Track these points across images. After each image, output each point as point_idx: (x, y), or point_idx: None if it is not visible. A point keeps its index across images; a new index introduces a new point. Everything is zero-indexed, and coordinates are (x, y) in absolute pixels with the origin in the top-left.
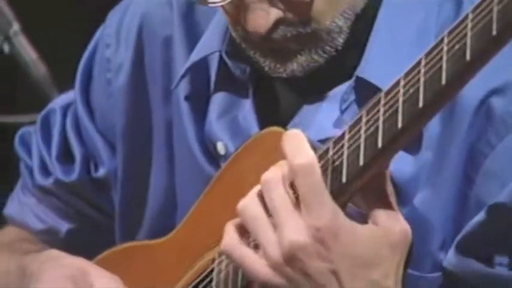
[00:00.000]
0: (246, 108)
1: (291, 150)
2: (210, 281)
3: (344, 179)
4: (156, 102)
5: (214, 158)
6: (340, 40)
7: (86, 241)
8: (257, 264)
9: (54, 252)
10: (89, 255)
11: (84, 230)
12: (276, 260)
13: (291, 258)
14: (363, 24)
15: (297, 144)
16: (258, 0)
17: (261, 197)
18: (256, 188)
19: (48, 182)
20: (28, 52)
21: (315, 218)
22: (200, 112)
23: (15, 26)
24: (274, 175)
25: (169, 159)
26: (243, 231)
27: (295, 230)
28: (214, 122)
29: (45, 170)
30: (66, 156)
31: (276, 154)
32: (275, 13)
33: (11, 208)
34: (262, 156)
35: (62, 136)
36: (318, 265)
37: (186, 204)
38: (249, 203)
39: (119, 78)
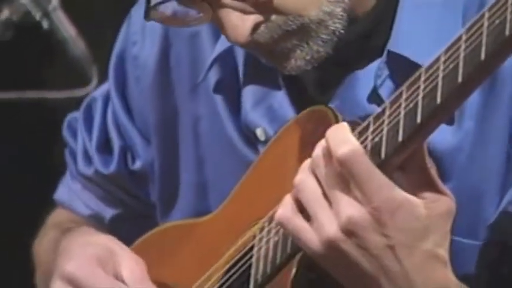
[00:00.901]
0: (280, 96)
1: (334, 142)
2: (251, 257)
3: (383, 155)
4: (183, 97)
5: (253, 145)
6: (339, 25)
7: (130, 226)
8: (313, 237)
9: (86, 230)
10: (134, 239)
11: (128, 216)
12: (332, 234)
13: (348, 233)
14: (387, 0)
15: (339, 134)
16: (227, 13)
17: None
18: (310, 162)
19: (90, 171)
20: (67, 28)
21: (371, 198)
22: (233, 103)
23: (54, 1)
24: (326, 152)
25: (197, 156)
26: (299, 205)
27: (352, 205)
28: (250, 110)
29: (88, 159)
30: (105, 147)
31: (320, 132)
32: (251, 19)
33: (61, 193)
34: (306, 134)
35: (102, 127)
36: (374, 240)
37: (224, 191)
38: (305, 178)
39: (146, 75)
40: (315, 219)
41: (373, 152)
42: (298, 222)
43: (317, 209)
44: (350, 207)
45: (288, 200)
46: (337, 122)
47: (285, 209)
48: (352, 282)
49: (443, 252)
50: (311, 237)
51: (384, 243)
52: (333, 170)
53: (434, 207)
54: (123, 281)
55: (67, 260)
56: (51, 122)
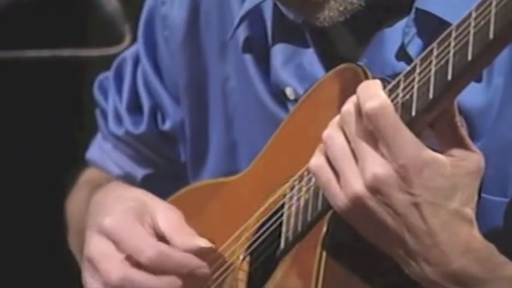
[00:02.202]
0: (309, 55)
1: (363, 96)
2: (281, 215)
3: (414, 113)
4: (212, 57)
5: (283, 103)
6: None
7: (161, 187)
8: (339, 192)
9: (118, 184)
10: (165, 200)
11: (159, 176)
12: (357, 191)
13: (373, 191)
14: None
15: (369, 90)
16: None
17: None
18: (338, 118)
19: (120, 132)
20: None
21: (398, 155)
22: (262, 62)
23: None
24: (355, 108)
25: (226, 115)
26: (327, 161)
27: (378, 163)
28: (280, 69)
29: (118, 119)
30: (135, 107)
31: (350, 90)
32: None
33: (93, 152)
34: (336, 93)
35: (132, 87)
36: (400, 198)
37: (253, 150)
38: (333, 134)
39: (176, 35)
40: (342, 175)
41: (404, 110)
42: (329, 175)
43: (344, 165)
44: (376, 165)
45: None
46: (367, 79)
47: (318, 159)
48: (377, 238)
49: (470, 211)
50: (338, 192)
51: (409, 201)
52: (361, 126)
53: (462, 166)
54: (161, 233)
55: (103, 216)
56: (83, 81)
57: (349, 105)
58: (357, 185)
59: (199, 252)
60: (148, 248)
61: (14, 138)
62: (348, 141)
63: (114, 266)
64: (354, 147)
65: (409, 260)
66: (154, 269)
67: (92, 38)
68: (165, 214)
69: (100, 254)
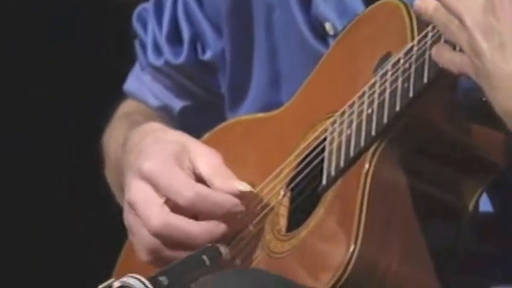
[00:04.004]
0: None
1: None
2: (323, 150)
3: None
4: None
5: (324, 38)
6: None
7: (199, 118)
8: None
9: (156, 126)
10: (203, 132)
11: (197, 108)
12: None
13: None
14: None
15: None
16: None
17: None
18: None
19: (159, 62)
20: None
21: None
22: None
23: None
24: None
25: (270, 45)
26: None
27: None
28: (321, 4)
29: (157, 50)
30: (175, 37)
31: (390, 25)
32: None
33: (131, 84)
34: (377, 28)
35: (173, 17)
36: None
37: (294, 83)
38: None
39: None
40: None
41: None
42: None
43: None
44: None
45: None
46: (408, 14)
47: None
48: None
49: None
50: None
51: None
52: None
53: None
54: (200, 176)
55: (143, 159)
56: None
57: None
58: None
59: (240, 195)
60: (187, 190)
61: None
62: None
63: (155, 211)
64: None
65: None
66: (193, 210)
67: None
68: (205, 157)
69: (141, 199)
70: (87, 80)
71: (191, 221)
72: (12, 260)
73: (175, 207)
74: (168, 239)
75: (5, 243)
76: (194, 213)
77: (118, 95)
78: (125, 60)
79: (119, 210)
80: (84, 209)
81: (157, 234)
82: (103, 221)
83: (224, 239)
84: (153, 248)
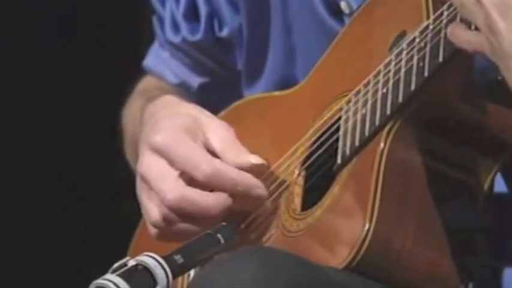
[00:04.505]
0: None
1: None
2: (338, 129)
3: None
4: None
5: (339, 16)
6: None
7: (217, 95)
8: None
9: (171, 99)
10: (221, 108)
11: (215, 85)
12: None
13: None
14: None
15: None
16: None
17: None
18: None
19: (177, 39)
20: None
21: None
22: None
23: None
24: None
25: (286, 21)
26: None
27: None
28: None
29: (175, 27)
30: (192, 14)
31: (406, 3)
32: None
33: (150, 60)
34: (392, 6)
35: None
36: None
37: (309, 60)
38: None
39: None
40: None
41: None
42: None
43: None
44: None
45: None
46: None
47: None
48: None
49: None
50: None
51: None
52: None
53: None
54: (213, 149)
55: (155, 132)
56: None
57: None
58: None
59: (252, 169)
60: (204, 164)
61: None
62: None
63: (170, 185)
64: None
65: None
66: (209, 185)
67: None
68: (218, 131)
69: (154, 173)
70: (87, 80)
71: (207, 194)
72: (12, 260)
73: (189, 181)
74: (184, 213)
75: (5, 243)
76: (208, 187)
77: (118, 95)
78: (125, 61)
79: (119, 210)
80: (84, 209)
81: (172, 208)
82: (103, 221)
83: (238, 216)
84: (167, 221)
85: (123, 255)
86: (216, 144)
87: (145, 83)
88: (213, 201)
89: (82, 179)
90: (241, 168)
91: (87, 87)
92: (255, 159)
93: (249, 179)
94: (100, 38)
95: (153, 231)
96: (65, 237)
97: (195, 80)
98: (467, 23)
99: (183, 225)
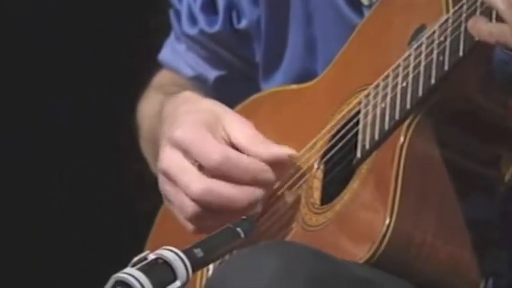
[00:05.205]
0: None
1: None
2: (357, 123)
3: None
4: None
5: (358, 8)
6: None
7: (234, 88)
8: None
9: (190, 95)
10: (237, 102)
11: (231, 78)
12: None
13: None
14: None
15: None
16: None
17: None
18: None
19: (194, 32)
20: None
21: None
22: None
23: None
24: None
25: (306, 12)
26: None
27: None
28: None
29: (192, 19)
30: (210, 6)
31: None
32: None
33: (165, 54)
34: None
35: None
36: None
37: (329, 53)
38: None
39: None
40: None
41: None
42: None
43: None
44: None
45: None
46: None
47: None
48: None
49: None
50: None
51: None
52: None
53: None
54: (232, 144)
55: (175, 128)
56: None
57: None
58: None
59: (275, 161)
60: (215, 153)
61: None
62: None
63: (193, 177)
64: None
65: None
66: (222, 174)
67: None
68: (239, 126)
69: (176, 167)
70: (87, 80)
71: (231, 185)
72: (12, 259)
73: (208, 173)
74: (209, 204)
75: (5, 243)
76: (221, 174)
77: (118, 95)
78: (125, 61)
79: (119, 211)
80: (84, 209)
81: (198, 200)
82: (103, 221)
83: (260, 208)
84: (193, 214)
85: (141, 251)
86: (239, 139)
87: (161, 78)
88: (237, 191)
89: (82, 179)
90: (266, 161)
91: (87, 87)
92: (277, 150)
93: (259, 165)
94: (100, 37)
95: (186, 224)
96: (64, 237)
97: (212, 73)
98: (488, 16)
99: (209, 217)
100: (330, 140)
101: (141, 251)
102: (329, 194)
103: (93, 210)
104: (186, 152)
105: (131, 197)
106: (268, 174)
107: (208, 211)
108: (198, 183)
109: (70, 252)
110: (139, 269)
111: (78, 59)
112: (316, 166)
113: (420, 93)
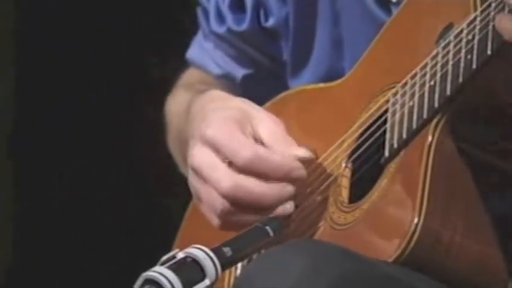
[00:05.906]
0: None
1: None
2: (385, 122)
3: None
4: None
5: (386, 6)
6: None
7: (261, 87)
8: None
9: (219, 93)
10: (264, 100)
11: (259, 76)
12: None
13: None
14: None
15: None
16: None
17: None
18: None
19: (222, 30)
20: None
21: None
22: None
23: None
24: None
25: (333, 11)
26: None
27: None
28: None
29: (220, 18)
30: (238, 5)
31: None
32: None
33: (193, 52)
34: None
35: None
36: None
37: (356, 51)
38: None
39: None
40: None
41: None
42: None
43: None
44: None
45: None
46: None
47: None
48: None
49: None
50: None
51: None
52: None
53: None
54: (262, 142)
55: (205, 125)
56: None
57: None
58: None
59: (300, 160)
60: (245, 150)
61: None
62: None
63: (223, 174)
64: None
65: None
66: (251, 172)
67: None
68: (267, 124)
69: (206, 164)
70: (87, 80)
71: (262, 182)
72: (12, 259)
73: (238, 170)
74: (239, 201)
75: (5, 243)
76: (250, 170)
77: (118, 95)
78: (125, 61)
79: (119, 211)
80: (84, 209)
81: (228, 196)
82: (103, 221)
83: (292, 207)
84: (223, 210)
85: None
86: (265, 136)
87: (189, 76)
88: (266, 188)
89: (82, 179)
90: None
91: (87, 87)
92: (303, 153)
93: (291, 163)
94: (100, 37)
95: (215, 221)
96: (65, 237)
97: (239, 71)
98: None
99: (239, 214)
100: (357, 139)
101: (168, 250)
102: (357, 192)
103: (120, 210)
104: (217, 149)
105: (155, 194)
106: (301, 171)
107: (238, 207)
108: (228, 179)
109: (97, 251)
110: (169, 268)
111: (78, 59)
112: (344, 165)
113: (448, 92)
